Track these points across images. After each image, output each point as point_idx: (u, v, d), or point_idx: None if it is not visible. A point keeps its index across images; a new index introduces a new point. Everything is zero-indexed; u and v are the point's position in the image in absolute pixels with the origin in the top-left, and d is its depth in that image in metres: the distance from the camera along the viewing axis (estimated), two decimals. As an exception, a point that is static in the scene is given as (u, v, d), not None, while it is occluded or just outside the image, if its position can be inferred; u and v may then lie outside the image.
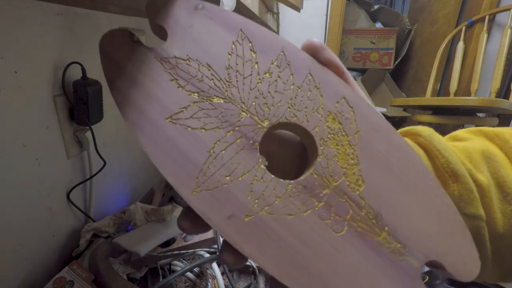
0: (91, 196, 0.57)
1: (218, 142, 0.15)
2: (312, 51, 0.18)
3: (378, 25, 2.10)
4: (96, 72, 0.55)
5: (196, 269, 0.56)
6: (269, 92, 0.16)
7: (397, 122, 1.90)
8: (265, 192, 0.15)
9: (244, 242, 0.14)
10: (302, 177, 0.16)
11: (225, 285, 0.51)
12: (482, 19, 1.39)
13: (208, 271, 0.55)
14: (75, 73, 0.48)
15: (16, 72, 0.40)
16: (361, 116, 0.17)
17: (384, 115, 1.82)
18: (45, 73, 0.45)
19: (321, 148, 0.16)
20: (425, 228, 0.16)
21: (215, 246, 0.56)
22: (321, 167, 0.16)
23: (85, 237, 0.53)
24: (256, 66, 0.16)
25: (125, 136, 0.69)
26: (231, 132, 0.15)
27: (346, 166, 0.16)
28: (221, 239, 0.57)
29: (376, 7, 2.12)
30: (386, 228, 0.16)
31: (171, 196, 0.82)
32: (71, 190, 0.52)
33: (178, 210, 0.66)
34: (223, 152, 0.15)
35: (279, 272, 0.14)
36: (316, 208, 0.15)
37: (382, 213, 0.16)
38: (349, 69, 2.03)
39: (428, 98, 1.47)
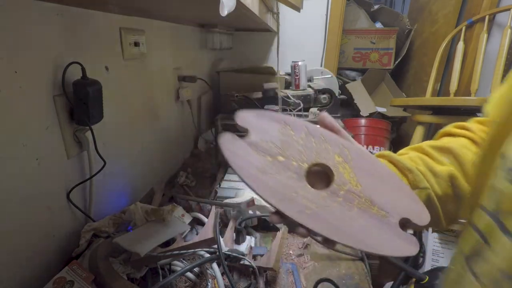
0: (91, 196, 0.57)
1: (286, 178, 0.29)
2: (320, 121, 0.33)
3: (378, 25, 2.10)
4: (96, 72, 0.55)
5: (196, 269, 0.56)
6: (303, 149, 0.30)
7: (397, 122, 1.90)
8: (313, 198, 0.28)
9: (308, 223, 0.27)
10: (329, 188, 0.29)
11: (225, 285, 0.51)
12: (482, 19, 1.39)
13: (208, 271, 0.55)
14: (75, 73, 0.48)
15: (16, 72, 0.40)
16: (353, 152, 0.31)
17: (384, 115, 1.81)
18: (45, 73, 0.45)
19: (335, 171, 0.30)
20: (396, 201, 0.29)
21: (215, 246, 0.56)
22: (337, 181, 0.29)
23: (85, 237, 0.53)
24: (294, 137, 0.31)
25: (125, 136, 0.69)
26: (289, 172, 0.29)
27: (349, 178, 0.29)
28: (221, 240, 0.57)
29: (376, 7, 2.12)
30: (376, 205, 0.28)
31: (171, 196, 0.82)
32: (71, 190, 0.52)
33: (178, 210, 0.66)
34: (289, 182, 0.29)
35: (327, 233, 0.27)
36: (338, 200, 0.28)
37: (372, 198, 0.29)
38: (349, 69, 2.03)
39: (428, 98, 1.47)
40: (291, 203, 0.27)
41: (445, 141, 0.38)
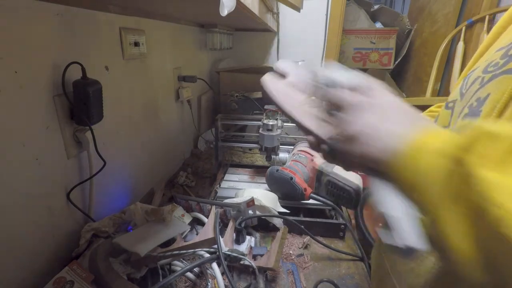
0: (91, 196, 0.57)
1: (321, 111, 0.31)
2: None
3: (378, 25, 2.10)
4: (96, 72, 0.55)
5: (196, 269, 0.56)
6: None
7: (397, 122, 1.89)
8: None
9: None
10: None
11: (225, 285, 0.51)
12: (482, 19, 1.39)
13: (208, 271, 0.55)
14: (75, 73, 0.48)
15: (16, 72, 0.40)
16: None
17: (384, 115, 1.81)
18: (45, 73, 0.45)
19: None
20: None
21: (215, 246, 0.56)
22: None
23: (85, 237, 0.53)
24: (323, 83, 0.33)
25: (125, 136, 0.69)
26: (323, 108, 0.32)
27: None
28: (221, 240, 0.57)
29: (376, 7, 2.12)
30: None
31: (171, 196, 0.82)
32: (71, 190, 0.52)
33: (178, 210, 0.66)
34: (324, 114, 0.31)
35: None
36: None
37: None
38: (349, 69, 2.03)
39: (428, 98, 1.47)
40: (325, 128, 0.31)
41: (433, 114, 0.48)
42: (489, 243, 0.18)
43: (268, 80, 0.35)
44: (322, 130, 0.31)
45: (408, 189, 0.24)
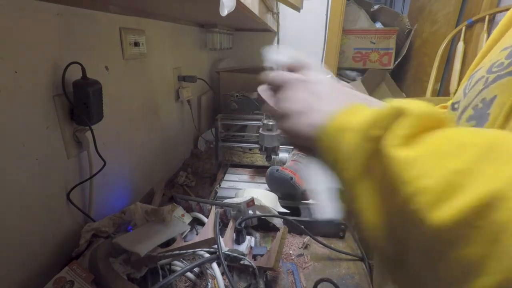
0: (91, 196, 0.57)
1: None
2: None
3: (378, 25, 2.10)
4: (96, 72, 0.55)
5: (196, 269, 0.56)
6: None
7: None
8: None
9: None
10: None
11: (225, 285, 0.51)
12: (482, 19, 1.39)
13: (208, 271, 0.55)
14: (75, 73, 0.48)
15: (16, 72, 0.40)
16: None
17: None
18: (45, 73, 0.45)
19: None
20: None
21: (215, 246, 0.56)
22: None
23: (85, 237, 0.53)
24: None
25: (125, 136, 0.69)
26: None
27: None
28: (221, 240, 0.57)
29: (376, 7, 2.12)
30: None
31: (171, 196, 0.82)
32: (71, 190, 0.52)
33: (178, 210, 0.66)
34: None
35: None
36: None
37: None
38: (349, 69, 2.03)
39: (428, 98, 1.47)
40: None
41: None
42: (398, 218, 0.19)
43: (262, 91, 0.36)
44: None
45: (331, 164, 0.25)
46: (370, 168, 0.21)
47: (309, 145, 0.27)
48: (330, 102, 0.27)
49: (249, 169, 0.96)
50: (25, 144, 0.43)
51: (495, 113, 0.27)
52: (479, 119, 0.29)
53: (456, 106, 0.35)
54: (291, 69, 0.33)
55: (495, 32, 0.37)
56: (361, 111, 0.24)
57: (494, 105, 0.28)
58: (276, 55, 0.33)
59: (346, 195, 0.24)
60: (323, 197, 0.26)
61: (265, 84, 0.34)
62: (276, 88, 0.32)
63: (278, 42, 1.60)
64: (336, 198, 0.26)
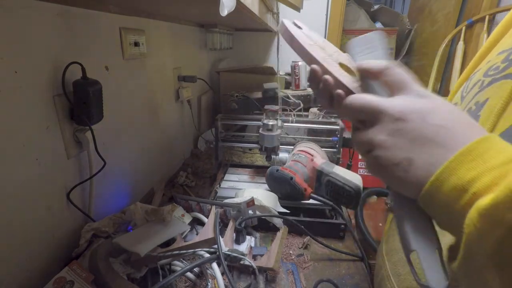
0: (91, 196, 0.57)
1: (328, 57, 0.34)
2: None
3: (378, 25, 2.10)
4: (96, 72, 0.55)
5: (196, 269, 0.56)
6: (337, 56, 0.35)
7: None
8: (341, 72, 0.32)
9: (335, 72, 0.32)
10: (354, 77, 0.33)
11: (225, 285, 0.51)
12: (482, 19, 1.39)
13: (208, 271, 0.55)
14: (75, 73, 0.48)
15: (16, 72, 0.40)
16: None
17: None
18: (45, 73, 0.45)
19: (349, 69, 0.34)
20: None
21: (215, 246, 0.56)
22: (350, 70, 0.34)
23: (85, 237, 0.53)
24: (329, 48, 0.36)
25: (125, 136, 0.69)
26: (330, 57, 0.34)
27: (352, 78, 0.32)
28: (221, 240, 0.57)
29: (376, 7, 2.11)
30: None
31: (171, 196, 0.82)
32: (71, 190, 0.52)
33: (178, 210, 0.66)
34: (329, 59, 0.33)
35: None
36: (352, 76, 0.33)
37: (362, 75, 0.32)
38: (349, 69, 2.03)
39: (428, 98, 1.47)
40: (329, 64, 0.32)
41: None
42: None
43: (289, 24, 0.37)
44: (326, 64, 0.32)
45: (445, 225, 0.21)
46: (505, 254, 0.17)
47: (411, 195, 0.23)
48: (449, 146, 0.21)
49: (249, 169, 0.96)
50: (25, 144, 0.43)
51: (485, 114, 0.27)
52: None
53: None
54: (365, 73, 0.29)
55: (493, 33, 0.37)
56: (491, 159, 0.18)
57: (485, 107, 0.28)
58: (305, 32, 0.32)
59: (466, 268, 0.20)
60: (425, 261, 0.22)
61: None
62: (359, 117, 0.27)
63: (278, 42, 1.60)
64: (440, 260, 0.22)
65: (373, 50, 0.33)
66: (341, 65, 0.33)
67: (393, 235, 0.42)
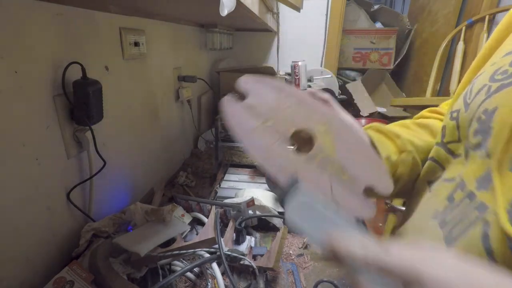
0: (91, 196, 0.57)
1: (272, 140, 0.32)
2: (313, 95, 0.34)
3: (378, 25, 2.10)
4: (96, 72, 0.55)
5: (196, 269, 0.56)
6: (292, 116, 0.32)
7: (397, 122, 1.89)
8: (293, 159, 0.32)
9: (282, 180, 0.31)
10: (309, 153, 0.32)
11: (225, 285, 0.51)
12: (482, 19, 1.39)
13: (208, 271, 0.55)
14: (75, 73, 0.48)
15: (16, 72, 0.40)
16: (337, 123, 0.33)
17: (384, 115, 1.81)
18: (45, 73, 0.45)
19: (317, 139, 0.32)
20: (364, 171, 0.32)
21: (215, 246, 0.56)
22: (316, 148, 0.32)
23: (85, 237, 0.53)
24: (286, 104, 0.33)
25: (125, 136, 0.69)
26: (277, 135, 0.32)
27: (328, 147, 0.32)
28: (222, 240, 0.57)
29: (376, 7, 2.12)
30: (347, 173, 0.32)
31: (171, 196, 0.82)
32: (71, 190, 0.52)
33: (178, 210, 0.66)
34: (275, 144, 0.32)
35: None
36: (314, 164, 0.32)
37: (345, 166, 0.32)
38: (349, 69, 2.03)
39: (428, 98, 1.47)
40: (272, 162, 0.32)
41: (424, 120, 0.45)
42: None
43: (226, 102, 0.33)
44: (266, 163, 0.31)
45: None
46: None
47: None
48: None
49: (249, 169, 0.96)
50: (25, 144, 0.43)
51: (498, 127, 0.25)
52: (484, 133, 0.27)
53: (454, 115, 0.33)
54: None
55: (495, 32, 0.36)
56: None
57: (497, 117, 0.26)
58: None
59: None
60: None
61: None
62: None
63: (278, 42, 1.60)
64: None
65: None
66: (295, 135, 0.32)
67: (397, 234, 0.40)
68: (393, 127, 0.43)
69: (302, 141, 0.34)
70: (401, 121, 0.45)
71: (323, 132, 0.32)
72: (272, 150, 0.32)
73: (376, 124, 0.42)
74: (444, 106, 0.46)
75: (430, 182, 0.35)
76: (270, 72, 1.27)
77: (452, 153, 0.33)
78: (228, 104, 0.33)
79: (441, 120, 0.42)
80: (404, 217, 0.40)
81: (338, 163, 0.32)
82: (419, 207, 0.35)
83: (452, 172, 0.32)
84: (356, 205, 0.31)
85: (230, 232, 0.62)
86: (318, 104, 0.33)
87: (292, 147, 0.33)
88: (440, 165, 0.34)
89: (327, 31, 1.59)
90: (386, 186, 0.32)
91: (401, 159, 0.37)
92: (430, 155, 0.37)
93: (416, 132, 0.42)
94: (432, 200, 0.33)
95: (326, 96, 0.35)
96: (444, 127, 0.35)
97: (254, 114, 0.33)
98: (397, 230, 0.39)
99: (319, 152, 0.32)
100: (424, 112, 0.48)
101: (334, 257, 0.22)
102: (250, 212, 0.65)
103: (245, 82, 0.34)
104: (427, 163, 0.37)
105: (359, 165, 0.32)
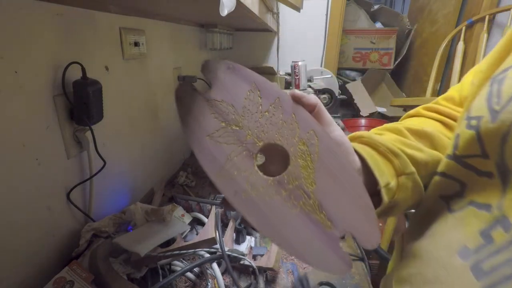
0: (91, 196, 0.57)
1: (233, 152, 0.25)
2: (296, 98, 0.27)
3: (378, 25, 2.10)
4: (96, 72, 0.55)
5: (196, 269, 0.56)
6: (265, 124, 0.26)
7: (397, 122, 1.90)
8: (256, 182, 0.25)
9: (240, 208, 0.24)
10: (278, 176, 0.25)
11: (225, 285, 0.51)
12: (482, 19, 1.39)
13: (208, 271, 0.55)
14: (75, 73, 0.48)
15: (16, 72, 0.40)
16: (324, 143, 0.26)
17: (384, 115, 1.82)
18: (45, 73, 0.45)
19: (293, 161, 0.25)
20: (348, 214, 0.25)
21: (215, 246, 0.56)
22: (290, 172, 0.25)
23: (85, 237, 0.53)
24: (260, 106, 0.26)
25: (125, 136, 0.69)
26: (240, 146, 0.25)
27: (305, 174, 0.25)
28: (223, 242, 0.57)
29: (376, 7, 2.12)
30: (324, 212, 0.25)
31: (171, 196, 0.82)
32: (71, 190, 0.52)
33: (178, 210, 0.66)
34: (235, 157, 0.25)
35: (257, 226, 0.24)
36: (283, 194, 0.25)
37: (323, 203, 0.25)
38: (349, 69, 2.03)
39: (428, 98, 1.47)
40: (230, 181, 0.24)
41: (422, 125, 0.36)
42: None
43: (182, 92, 0.26)
44: (221, 182, 0.24)
45: None
46: None
47: None
48: None
49: (249, 169, 0.96)
50: (25, 144, 0.43)
51: None
52: None
53: (474, 123, 0.26)
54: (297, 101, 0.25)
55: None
56: None
57: None
58: None
59: None
60: None
61: None
62: None
63: (278, 42, 1.60)
64: None
65: None
66: (265, 148, 0.26)
67: (407, 260, 0.31)
68: (387, 136, 0.35)
69: (273, 157, 0.27)
70: (394, 126, 0.37)
71: (302, 152, 0.25)
72: (233, 165, 0.25)
73: (366, 135, 0.33)
74: (442, 101, 0.40)
75: (445, 198, 0.29)
76: (270, 72, 1.28)
77: (475, 169, 0.26)
78: (186, 95, 0.26)
79: (440, 121, 0.39)
80: (412, 227, 0.34)
81: (314, 198, 0.25)
82: (435, 230, 0.29)
83: (485, 198, 0.25)
84: (330, 260, 0.24)
85: (230, 232, 0.62)
86: (303, 112, 0.26)
87: (258, 161, 0.26)
88: (458, 181, 0.28)
89: (327, 31, 1.59)
90: (371, 239, 0.25)
91: (400, 184, 0.30)
92: (440, 169, 0.31)
93: (415, 144, 0.35)
94: (458, 230, 0.26)
95: (314, 100, 0.27)
96: (457, 136, 0.28)
97: (216, 113, 0.26)
98: (407, 246, 0.32)
99: (293, 178, 0.25)
100: (420, 109, 0.41)
101: None
102: (250, 212, 0.65)
103: (213, 69, 0.27)
104: (438, 178, 0.31)
105: (341, 205, 0.25)
